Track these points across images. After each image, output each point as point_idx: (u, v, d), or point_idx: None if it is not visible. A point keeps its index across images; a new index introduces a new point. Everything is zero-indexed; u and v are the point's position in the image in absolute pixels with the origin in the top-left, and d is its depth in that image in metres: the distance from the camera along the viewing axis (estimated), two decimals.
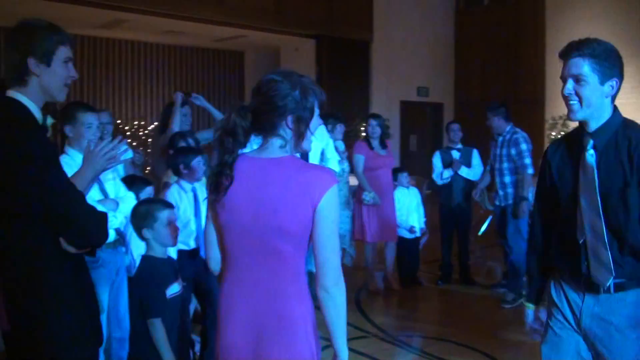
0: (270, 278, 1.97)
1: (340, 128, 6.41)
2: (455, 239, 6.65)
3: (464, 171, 6.52)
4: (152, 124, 12.66)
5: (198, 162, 4.26)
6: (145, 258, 3.26)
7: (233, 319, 2.02)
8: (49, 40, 2.25)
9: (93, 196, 3.61)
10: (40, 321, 2.21)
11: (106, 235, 2.32)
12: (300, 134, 2.02)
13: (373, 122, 6.33)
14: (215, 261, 2.16)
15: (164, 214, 3.22)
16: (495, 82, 13.56)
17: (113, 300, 3.83)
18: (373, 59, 13.20)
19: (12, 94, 2.23)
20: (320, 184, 1.93)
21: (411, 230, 6.50)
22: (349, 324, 5.33)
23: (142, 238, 3.27)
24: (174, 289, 3.21)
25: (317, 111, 2.06)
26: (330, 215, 1.94)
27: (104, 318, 3.72)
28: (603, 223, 2.26)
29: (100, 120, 4.87)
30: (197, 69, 13.48)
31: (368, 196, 6.10)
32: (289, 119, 1.99)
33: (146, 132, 12.32)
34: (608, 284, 2.29)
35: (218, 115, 5.75)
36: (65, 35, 2.31)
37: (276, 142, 2.02)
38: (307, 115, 2.02)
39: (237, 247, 2.02)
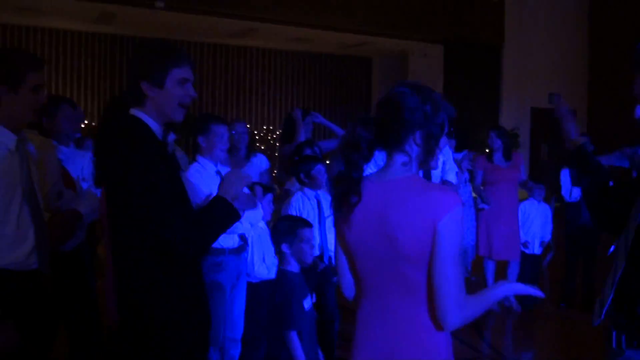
0: (401, 305, 1.89)
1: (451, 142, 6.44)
2: (581, 259, 6.28)
3: None
4: (281, 129, 13.04)
5: (319, 171, 4.36)
6: (282, 272, 3.40)
7: (365, 347, 1.96)
8: (161, 64, 2.34)
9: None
10: (146, 318, 2.33)
11: (199, 252, 2.40)
12: (428, 151, 1.92)
13: (493, 134, 6.17)
14: (347, 286, 2.09)
15: (303, 232, 3.36)
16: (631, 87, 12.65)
17: (230, 303, 4.01)
18: (504, 64, 12.78)
19: (134, 112, 2.38)
20: (441, 205, 1.80)
21: (524, 245, 6.23)
22: (463, 341, 5.21)
23: (279, 252, 3.41)
24: (308, 302, 3.33)
25: (446, 129, 1.96)
26: (450, 240, 1.80)
27: (221, 319, 3.93)
28: (625, 257, 1.95)
29: (237, 129, 5.14)
30: (324, 75, 13.67)
31: (481, 203, 6.11)
32: (417, 134, 1.89)
33: (274, 136, 12.70)
34: (596, 324, 2.01)
35: (337, 130, 5.89)
36: (180, 57, 2.39)
37: (399, 158, 1.92)
38: (437, 131, 1.91)
39: (366, 272, 1.95)
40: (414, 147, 1.91)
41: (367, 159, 1.93)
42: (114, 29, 10.90)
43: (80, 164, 4.15)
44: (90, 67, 11.26)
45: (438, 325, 1.85)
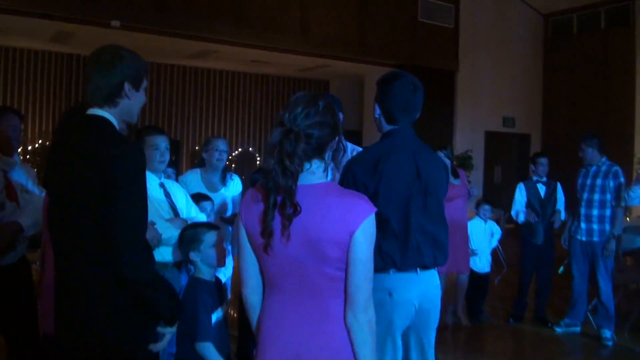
0: (313, 303, 1.98)
1: None
2: (534, 277, 6.37)
3: (562, 215, 6.34)
4: (238, 149, 13.02)
5: None
6: (192, 280, 3.27)
7: (275, 342, 2.02)
8: (143, 70, 2.41)
9: (163, 214, 3.76)
10: (85, 329, 2.30)
11: (140, 278, 2.27)
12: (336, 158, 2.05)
13: (440, 153, 6.26)
14: (256, 290, 2.15)
15: (209, 236, 3.27)
16: (584, 114, 13.08)
17: None
18: (458, 89, 13.06)
19: (97, 112, 2.34)
20: (358, 212, 1.93)
21: (472, 253, 6.31)
22: None
23: (190, 262, 3.30)
24: (218, 314, 3.20)
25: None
26: (365, 243, 1.93)
27: None
28: None
29: (219, 147, 4.95)
30: (283, 97, 13.77)
31: None
32: (335, 140, 2.04)
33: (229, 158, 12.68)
34: None
35: None
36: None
37: (321, 166, 2.01)
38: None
39: (278, 273, 2.01)
40: (329, 154, 2.03)
41: (301, 168, 1.96)
42: (70, 48, 10.84)
43: (25, 176, 4.04)
44: (46, 85, 11.12)
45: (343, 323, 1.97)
